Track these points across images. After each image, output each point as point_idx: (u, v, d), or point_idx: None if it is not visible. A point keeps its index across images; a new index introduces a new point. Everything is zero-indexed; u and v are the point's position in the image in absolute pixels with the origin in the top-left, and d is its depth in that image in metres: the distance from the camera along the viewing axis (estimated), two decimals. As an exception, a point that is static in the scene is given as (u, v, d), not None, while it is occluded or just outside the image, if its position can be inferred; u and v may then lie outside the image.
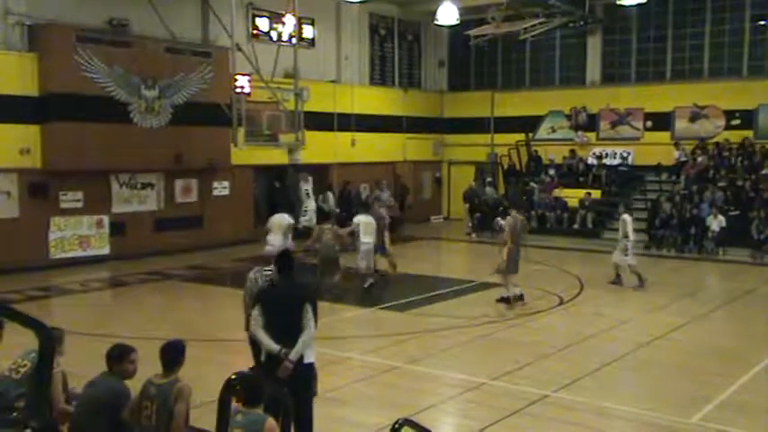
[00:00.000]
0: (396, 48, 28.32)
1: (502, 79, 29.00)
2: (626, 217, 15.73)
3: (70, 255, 18.16)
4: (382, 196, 22.38)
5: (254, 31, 22.48)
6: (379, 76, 27.75)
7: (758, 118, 23.60)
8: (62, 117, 17.55)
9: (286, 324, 6.31)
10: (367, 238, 14.78)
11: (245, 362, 7.28)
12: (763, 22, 23.91)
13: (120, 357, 5.76)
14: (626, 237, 15.50)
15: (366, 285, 14.80)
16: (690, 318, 13.10)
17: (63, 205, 18.11)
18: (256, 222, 22.81)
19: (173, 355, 5.60)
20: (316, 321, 6.43)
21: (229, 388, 4.99)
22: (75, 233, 18.34)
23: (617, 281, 15.83)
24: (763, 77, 23.54)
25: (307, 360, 6.46)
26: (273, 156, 21.47)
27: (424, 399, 8.79)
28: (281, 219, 15.33)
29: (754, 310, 14.19)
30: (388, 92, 27.72)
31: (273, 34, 22.45)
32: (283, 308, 6.38)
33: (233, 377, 5.32)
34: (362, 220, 15.05)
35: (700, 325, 12.80)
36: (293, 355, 6.26)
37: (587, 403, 8.62)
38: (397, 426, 4.80)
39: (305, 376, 6.48)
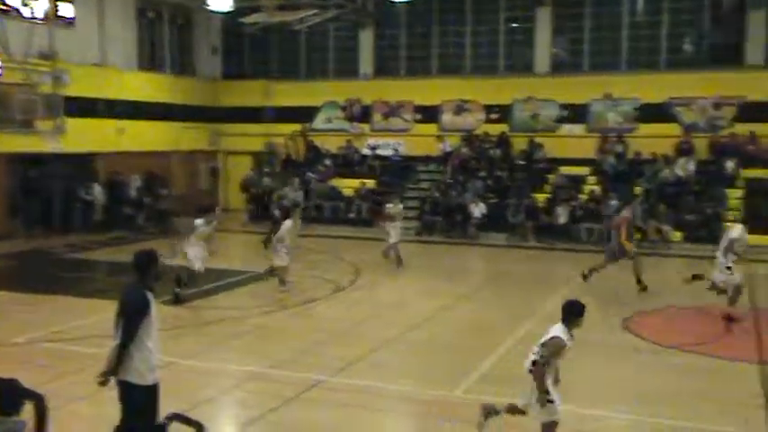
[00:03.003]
0: (166, 32, 27.21)
1: (278, 69, 28.99)
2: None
3: None
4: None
5: (1, 5, 20.35)
6: (149, 61, 26.51)
7: (513, 112, 25.74)
8: None
9: (118, 331, 5.88)
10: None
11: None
12: (515, 25, 26.07)
13: None
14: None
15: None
16: (455, 298, 13.99)
17: None
18: (11, 215, 20.91)
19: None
20: (126, 336, 5.75)
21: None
22: None
23: None
24: (516, 75, 25.68)
25: (124, 377, 5.83)
26: (29, 143, 19.70)
27: (202, 392, 8.57)
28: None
29: (510, 288, 15.48)
30: (160, 78, 26.58)
31: (25, 10, 20.51)
32: (119, 313, 5.92)
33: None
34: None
35: (463, 304, 13.71)
36: (104, 367, 5.85)
37: (361, 385, 8.89)
38: (165, 421, 4.63)
39: (125, 396, 5.88)
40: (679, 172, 22.34)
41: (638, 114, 24.15)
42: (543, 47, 25.45)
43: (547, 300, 13.62)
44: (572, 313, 6.53)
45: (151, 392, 5.86)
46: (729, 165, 22.12)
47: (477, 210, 22.37)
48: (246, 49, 29.42)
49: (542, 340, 6.51)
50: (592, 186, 22.90)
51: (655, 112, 23.70)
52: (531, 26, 25.59)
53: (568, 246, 20.59)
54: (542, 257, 19.73)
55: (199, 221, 13.24)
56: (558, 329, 6.48)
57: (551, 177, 23.63)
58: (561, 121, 25.08)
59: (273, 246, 13.92)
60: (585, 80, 24.66)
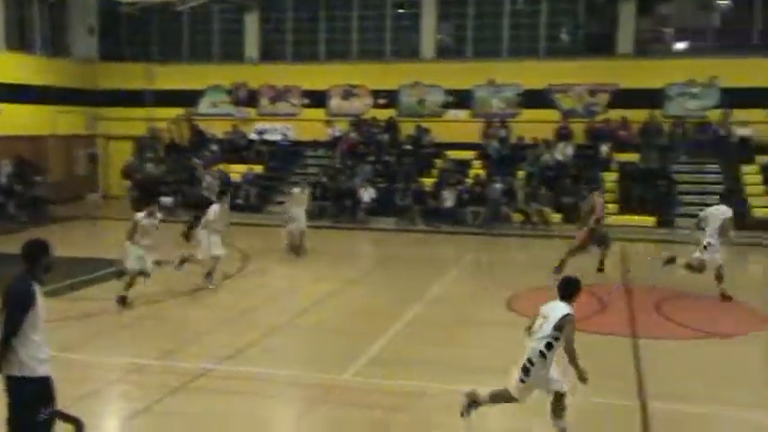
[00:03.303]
0: (36, 11, 25.71)
1: (159, 51, 28.06)
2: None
3: None
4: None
5: None
6: (18, 41, 24.99)
7: (400, 98, 26.02)
8: None
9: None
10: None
11: None
12: (401, 10, 26.31)
13: None
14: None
15: None
16: (344, 282, 14.06)
17: None
18: None
19: None
20: (8, 330, 5.40)
21: None
22: None
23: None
24: (403, 60, 25.95)
25: (9, 372, 5.49)
26: None
27: (84, 386, 8.24)
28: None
29: (398, 272, 15.70)
30: (31, 59, 25.12)
31: None
32: (1, 306, 5.52)
33: None
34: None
35: (353, 288, 13.80)
36: None
37: (251, 372, 8.82)
38: (42, 418, 4.44)
39: (12, 391, 5.53)
40: (558, 156, 23.28)
41: (520, 100, 24.97)
42: (429, 32, 25.83)
43: (434, 283, 13.91)
44: (569, 290, 6.75)
45: (42, 385, 5.60)
46: (604, 149, 23.25)
47: (366, 194, 22.52)
48: (125, 30, 28.30)
49: (551, 322, 6.58)
50: (477, 170, 23.51)
51: (535, 98, 24.56)
52: (417, 12, 25.89)
53: (455, 229, 21.07)
54: (430, 241, 20.12)
55: (140, 215, 12.04)
56: (564, 307, 6.63)
57: (438, 162, 24.10)
58: (447, 106, 25.59)
59: (197, 234, 13.27)
60: (470, 66, 25.22)
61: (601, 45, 24.64)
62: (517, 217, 21.54)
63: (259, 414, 7.70)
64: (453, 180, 22.72)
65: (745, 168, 22.09)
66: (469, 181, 22.92)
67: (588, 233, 14.41)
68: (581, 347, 9.96)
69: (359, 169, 23.69)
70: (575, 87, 24.44)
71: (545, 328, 6.63)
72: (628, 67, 23.69)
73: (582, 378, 6.66)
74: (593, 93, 24.34)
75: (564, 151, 23.37)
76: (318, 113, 26.37)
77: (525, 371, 6.67)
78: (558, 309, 6.65)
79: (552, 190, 22.01)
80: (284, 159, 25.68)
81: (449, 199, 22.08)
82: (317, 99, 26.54)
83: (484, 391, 6.93)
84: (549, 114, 24.43)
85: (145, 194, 23.75)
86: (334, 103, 26.53)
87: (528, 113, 24.63)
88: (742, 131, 22.59)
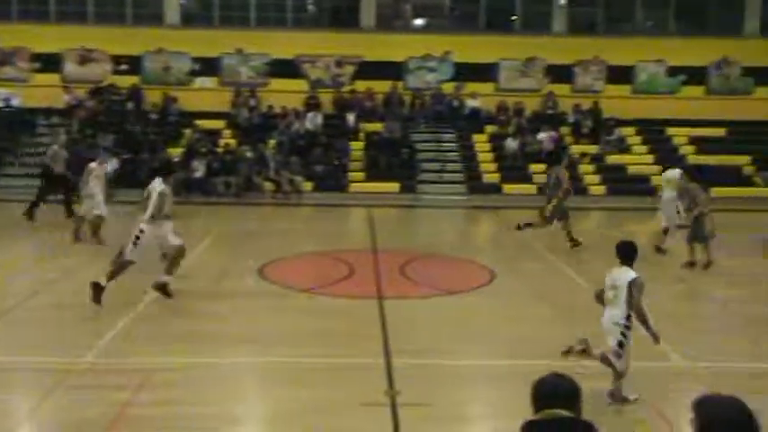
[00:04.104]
0: None
1: None
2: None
3: None
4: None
5: None
6: None
7: (144, 64, 24.73)
8: None
9: None
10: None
11: None
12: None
13: None
14: None
15: None
16: (82, 260, 13.10)
17: None
18: None
19: None
20: None
21: None
22: None
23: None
24: (145, 25, 24.65)
25: None
26: None
27: None
28: None
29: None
30: None
31: None
32: None
33: None
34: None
35: (92, 266, 12.77)
36: None
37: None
38: None
39: None
40: (308, 125, 23.64)
41: (269, 69, 24.94)
42: (172, -3, 24.80)
43: (185, 255, 13.45)
44: (627, 253, 6.78)
45: None
46: (351, 119, 24.03)
47: (109, 166, 21.17)
48: None
49: (623, 292, 6.51)
50: (228, 140, 23.13)
51: (284, 68, 24.67)
52: (160, -25, 24.72)
53: (205, 199, 20.62)
54: (179, 212, 19.17)
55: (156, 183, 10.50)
56: (629, 273, 6.62)
57: (187, 131, 23.34)
58: (194, 74, 24.85)
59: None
60: (217, 34, 24.66)
61: (346, 18, 25.32)
62: (269, 186, 21.58)
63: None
64: (203, 150, 22.15)
65: (477, 137, 24.06)
66: (220, 150, 22.50)
67: (556, 206, 14.15)
68: (331, 312, 10.33)
69: (100, 139, 22.21)
70: (322, 58, 24.90)
71: (620, 300, 6.61)
72: (371, 41, 24.61)
73: (656, 340, 6.77)
74: (339, 64, 24.99)
75: (313, 121, 23.77)
76: (53, 79, 24.23)
77: (621, 345, 6.61)
78: (623, 276, 6.67)
79: (303, 158, 22.32)
80: (11, 128, 23.28)
81: (199, 169, 21.51)
82: (51, 63, 24.37)
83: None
84: (297, 84, 24.69)
85: None
86: (70, 67, 24.55)
87: (277, 83, 24.70)
88: (472, 103, 24.57)
